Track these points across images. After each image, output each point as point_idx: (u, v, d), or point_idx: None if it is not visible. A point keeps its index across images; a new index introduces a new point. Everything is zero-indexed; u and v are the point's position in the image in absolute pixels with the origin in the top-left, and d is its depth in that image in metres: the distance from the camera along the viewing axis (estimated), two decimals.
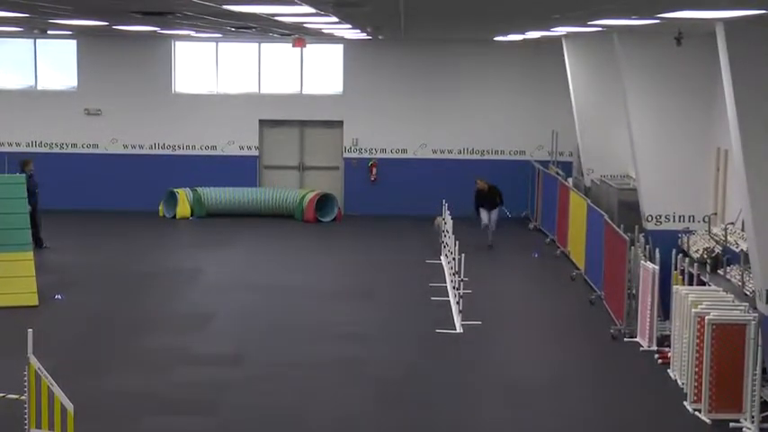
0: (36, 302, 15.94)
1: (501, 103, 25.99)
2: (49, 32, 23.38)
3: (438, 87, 25.93)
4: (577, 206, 19.55)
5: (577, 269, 19.02)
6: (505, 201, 22.46)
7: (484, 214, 22.09)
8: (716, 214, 15.69)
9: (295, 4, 10.12)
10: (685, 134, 15.80)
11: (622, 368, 13.61)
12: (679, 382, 12.59)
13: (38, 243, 20.18)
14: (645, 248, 14.85)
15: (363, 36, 23.00)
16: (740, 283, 13.02)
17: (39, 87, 26.33)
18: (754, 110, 10.84)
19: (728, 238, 14.31)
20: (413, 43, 25.30)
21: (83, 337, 14.80)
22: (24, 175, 17.68)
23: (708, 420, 11.47)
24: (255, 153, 26.28)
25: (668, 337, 13.67)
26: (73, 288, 17.52)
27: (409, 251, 21.37)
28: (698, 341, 11.81)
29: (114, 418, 11.28)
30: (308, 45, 24.37)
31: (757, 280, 11.24)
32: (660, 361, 13.55)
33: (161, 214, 25.23)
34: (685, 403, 11.91)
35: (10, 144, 26.01)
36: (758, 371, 11.26)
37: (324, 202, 25.15)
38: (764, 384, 11.44)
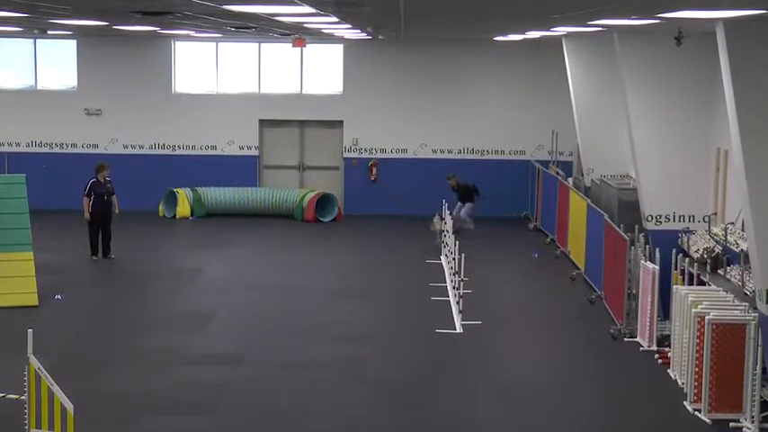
0: (36, 302, 15.93)
1: (501, 103, 25.98)
2: (49, 32, 23.37)
3: (438, 87, 25.92)
4: (577, 206, 19.54)
5: (577, 269, 19.02)
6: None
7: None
8: (716, 214, 15.68)
9: (295, 4, 10.11)
10: (685, 134, 15.79)
11: (622, 368, 13.61)
12: (679, 382, 12.58)
13: (105, 252, 19.79)
14: (645, 248, 14.84)
15: (363, 36, 22.99)
16: (740, 283, 13.02)
17: (39, 87, 26.31)
18: (754, 110, 10.84)
19: (728, 238, 14.31)
20: (413, 43, 25.28)
21: (82, 336, 14.81)
22: (24, 176, 16.85)
23: (708, 420, 11.47)
24: (255, 153, 26.27)
25: (668, 337, 13.67)
26: (73, 288, 17.51)
27: (409, 251, 21.36)
28: (698, 341, 11.81)
29: (114, 418, 11.28)
30: (308, 45, 24.36)
31: (757, 280, 11.24)
32: (660, 361, 13.55)
33: (161, 214, 25.23)
34: (685, 403, 11.92)
35: (10, 144, 26.02)
36: (758, 371, 11.25)
37: (324, 202, 25.15)
38: (764, 384, 11.43)
